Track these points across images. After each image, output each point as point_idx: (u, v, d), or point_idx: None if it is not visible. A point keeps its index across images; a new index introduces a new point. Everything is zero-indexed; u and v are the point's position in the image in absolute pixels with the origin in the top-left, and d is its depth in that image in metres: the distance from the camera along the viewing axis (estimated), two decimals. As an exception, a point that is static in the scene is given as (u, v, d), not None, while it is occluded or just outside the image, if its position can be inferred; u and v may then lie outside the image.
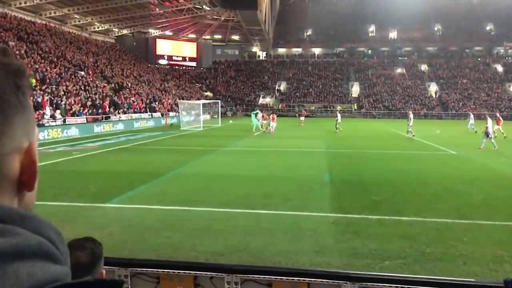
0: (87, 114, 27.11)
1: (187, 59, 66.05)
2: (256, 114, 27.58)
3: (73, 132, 23.34)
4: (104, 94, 33.57)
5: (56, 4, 40.98)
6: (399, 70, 67.51)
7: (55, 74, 30.52)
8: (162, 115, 36.45)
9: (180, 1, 47.45)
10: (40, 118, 22.03)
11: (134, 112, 33.85)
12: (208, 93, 61.50)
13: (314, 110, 56.67)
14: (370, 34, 75.44)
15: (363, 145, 18.83)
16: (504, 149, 17.09)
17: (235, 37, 70.34)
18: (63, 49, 38.30)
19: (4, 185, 0.51)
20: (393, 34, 74.14)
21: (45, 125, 21.80)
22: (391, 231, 6.32)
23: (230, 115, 54.31)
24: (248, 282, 2.30)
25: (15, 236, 0.44)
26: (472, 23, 69.73)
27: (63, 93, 27.91)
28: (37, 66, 29.60)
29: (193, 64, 67.21)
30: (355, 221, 6.87)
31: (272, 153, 16.20)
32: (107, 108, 30.07)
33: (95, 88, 33.37)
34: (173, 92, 50.64)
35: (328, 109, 56.65)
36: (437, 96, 60.25)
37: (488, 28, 71.61)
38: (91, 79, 35.47)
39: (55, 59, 34.05)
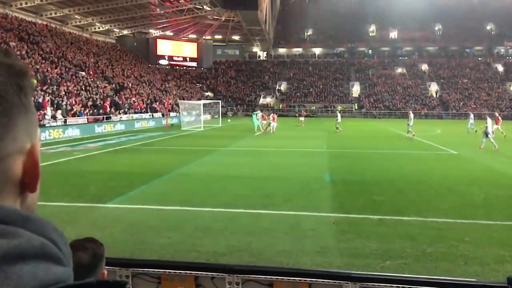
0: (88, 114, 27.14)
1: (187, 59, 66.12)
2: (257, 115, 27.58)
3: (74, 132, 23.35)
4: (105, 94, 33.60)
5: (56, 4, 41.01)
6: (399, 70, 67.49)
7: (56, 75, 30.56)
8: (163, 115, 36.46)
9: (180, 1, 47.48)
10: (41, 119, 22.05)
11: (135, 113, 33.86)
12: (209, 93, 61.52)
13: (315, 110, 56.67)
14: (370, 34, 75.43)
15: (364, 145, 18.82)
16: (505, 148, 17.06)
17: (236, 37, 70.35)
18: (64, 49, 38.35)
19: (7, 187, 0.50)
20: (393, 34, 74.11)
21: (46, 125, 21.82)
22: (392, 231, 6.31)
23: (230, 115, 54.33)
24: (249, 282, 2.30)
25: (18, 238, 0.44)
26: (473, 23, 69.65)
27: (64, 93, 27.94)
28: (38, 67, 29.64)
29: (194, 64, 67.26)
30: (356, 221, 6.87)
31: (273, 153, 16.19)
32: (108, 109, 30.09)
33: (96, 89, 33.40)
34: (174, 92, 50.67)
35: (329, 109, 56.64)
36: (437, 95, 60.21)
37: (488, 27, 71.55)
38: (92, 79, 35.50)
39: (56, 60, 34.10)
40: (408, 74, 66.51)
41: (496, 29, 70.75)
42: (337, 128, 26.89)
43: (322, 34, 74.88)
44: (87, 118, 26.23)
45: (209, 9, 50.97)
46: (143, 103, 37.67)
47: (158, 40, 62.48)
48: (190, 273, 2.34)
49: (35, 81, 25.22)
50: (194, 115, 33.91)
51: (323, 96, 61.52)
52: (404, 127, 23.84)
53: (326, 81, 65.62)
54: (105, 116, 28.39)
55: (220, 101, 43.18)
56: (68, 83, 30.46)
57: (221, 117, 38.66)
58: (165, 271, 2.37)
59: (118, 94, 35.82)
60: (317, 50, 74.39)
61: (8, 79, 0.49)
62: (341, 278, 2.22)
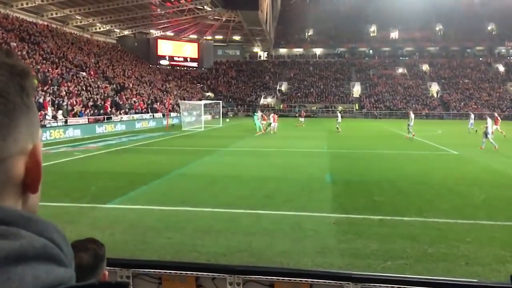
0: (89, 114, 27.17)
1: (188, 59, 66.16)
2: (258, 115, 27.58)
3: (75, 132, 23.37)
4: (106, 94, 33.63)
5: (57, 5, 41.05)
6: (400, 70, 67.44)
7: (56, 75, 30.60)
8: (164, 115, 36.48)
9: (181, 1, 47.50)
10: (42, 119, 22.08)
11: (136, 113, 33.89)
12: (209, 94, 61.53)
13: (316, 110, 56.65)
14: (371, 34, 75.37)
15: (364, 145, 18.81)
16: (505, 149, 17.04)
17: (236, 38, 70.35)
18: (65, 50, 38.39)
19: (9, 187, 0.50)
20: (394, 34, 74.04)
21: (47, 125, 21.84)
22: (393, 231, 6.30)
23: (231, 115, 54.33)
24: (250, 283, 2.30)
25: (19, 239, 0.44)
26: (474, 23, 69.59)
27: (64, 93, 27.98)
28: (38, 67, 29.68)
29: (195, 64, 67.29)
30: (357, 221, 6.86)
31: (273, 153, 16.19)
32: (109, 109, 30.12)
33: (96, 89, 33.43)
34: (175, 93, 50.70)
35: (330, 109, 56.59)
36: (438, 96, 60.14)
37: (489, 28, 71.47)
38: (93, 79, 35.53)
39: (57, 60, 34.14)
40: (409, 74, 66.45)
41: (497, 29, 70.67)
42: (337, 128, 26.99)
43: (323, 34, 74.85)
44: (88, 119, 26.25)
45: (210, 9, 50.98)
46: (144, 104, 37.70)
47: (159, 41, 62.52)
48: (191, 273, 2.34)
49: (36, 82, 25.24)
50: (194, 116, 33.92)
51: (323, 96, 61.50)
52: (405, 127, 23.84)
53: (326, 81, 65.60)
54: (105, 117, 28.41)
55: (220, 101, 43.19)
56: (69, 84, 30.50)
57: (222, 117, 38.69)
58: (166, 272, 2.37)
59: (118, 95, 35.84)
60: (318, 50, 74.35)
61: (10, 80, 0.49)
62: (342, 279, 2.22)
